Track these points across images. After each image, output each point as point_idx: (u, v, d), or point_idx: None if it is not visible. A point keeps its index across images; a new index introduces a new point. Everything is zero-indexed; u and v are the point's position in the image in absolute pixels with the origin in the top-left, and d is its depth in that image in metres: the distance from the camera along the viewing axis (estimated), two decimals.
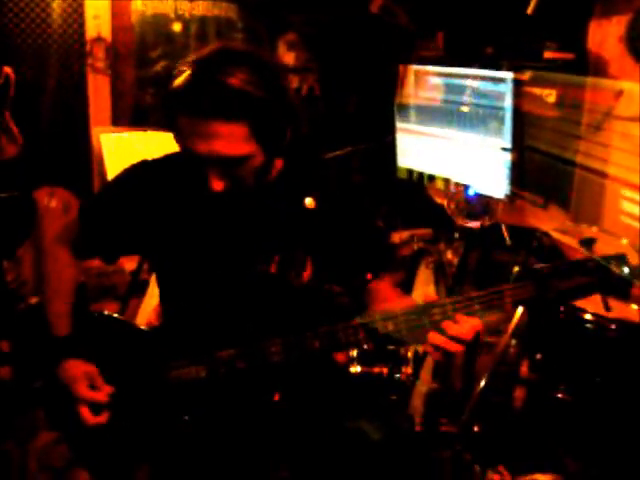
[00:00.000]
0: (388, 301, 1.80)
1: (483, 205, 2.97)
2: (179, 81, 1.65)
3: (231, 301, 1.86)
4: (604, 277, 1.63)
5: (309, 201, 1.83)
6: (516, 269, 2.69)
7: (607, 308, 1.70)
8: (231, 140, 1.64)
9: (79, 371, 1.88)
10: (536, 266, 1.68)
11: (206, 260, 1.87)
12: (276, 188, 1.84)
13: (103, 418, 1.88)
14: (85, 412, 1.87)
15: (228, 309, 1.86)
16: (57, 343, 1.92)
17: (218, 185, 1.70)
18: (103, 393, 1.88)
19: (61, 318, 1.94)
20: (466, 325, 1.62)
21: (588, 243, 1.82)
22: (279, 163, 1.86)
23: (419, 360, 2.93)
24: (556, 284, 1.62)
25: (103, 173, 3.53)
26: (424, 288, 3.25)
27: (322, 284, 1.89)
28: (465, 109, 2.81)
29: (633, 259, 1.67)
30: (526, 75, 2.77)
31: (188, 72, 1.64)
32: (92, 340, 1.94)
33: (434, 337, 1.63)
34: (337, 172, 1.97)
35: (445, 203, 3.09)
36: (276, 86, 1.69)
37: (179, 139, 1.70)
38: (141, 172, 1.93)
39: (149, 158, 1.95)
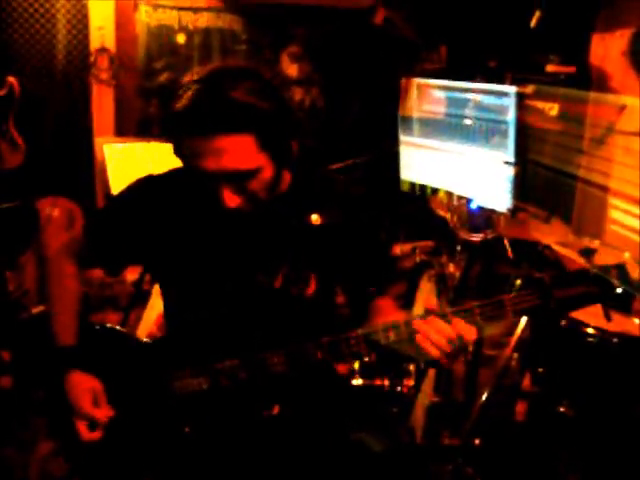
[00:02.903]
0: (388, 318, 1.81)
1: (485, 218, 2.97)
2: (178, 104, 1.65)
3: (234, 314, 1.86)
4: (605, 287, 1.62)
5: (315, 217, 1.83)
6: (518, 282, 2.69)
7: (608, 318, 1.70)
8: (240, 153, 1.64)
9: (85, 385, 1.88)
10: (538, 275, 1.68)
11: (210, 272, 1.87)
12: (284, 202, 1.84)
13: (97, 435, 1.88)
14: (82, 426, 1.87)
15: (231, 321, 1.86)
16: (62, 354, 1.92)
17: (232, 201, 1.70)
18: (103, 413, 1.87)
19: (66, 328, 1.94)
20: (458, 327, 1.62)
21: (587, 253, 1.82)
22: (287, 177, 1.86)
23: (421, 373, 2.93)
24: (558, 293, 1.62)
25: (106, 183, 3.53)
26: (426, 300, 3.25)
27: (326, 298, 1.89)
28: (468, 122, 2.81)
29: (635, 273, 1.67)
30: (529, 89, 2.78)
31: (186, 94, 1.64)
32: (94, 352, 1.94)
33: (420, 325, 1.63)
34: (343, 188, 1.97)
35: (448, 216, 3.10)
36: (277, 96, 1.70)
37: (187, 160, 1.70)
38: (147, 186, 1.94)
39: (154, 173, 1.96)
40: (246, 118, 1.62)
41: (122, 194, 1.98)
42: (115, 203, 2.02)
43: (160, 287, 2.03)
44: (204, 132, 1.61)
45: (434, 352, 1.63)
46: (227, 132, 1.61)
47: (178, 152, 1.71)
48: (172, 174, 1.93)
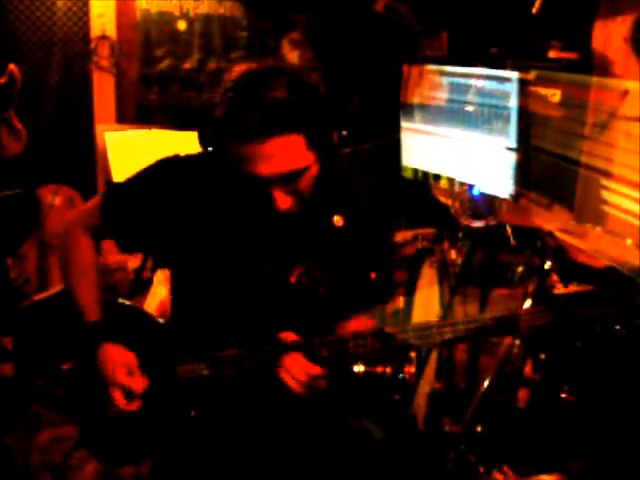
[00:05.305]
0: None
1: (487, 205, 2.96)
2: (219, 112, 1.63)
3: (246, 304, 1.86)
4: (625, 308, 1.57)
5: (337, 219, 1.82)
6: (520, 269, 2.68)
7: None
8: (292, 154, 1.62)
9: (119, 357, 1.87)
10: (555, 292, 1.63)
11: (230, 263, 1.86)
12: (310, 202, 1.78)
13: (135, 406, 1.86)
14: (119, 396, 1.85)
15: (242, 311, 1.85)
16: (91, 329, 1.91)
17: (284, 204, 1.68)
18: (139, 383, 1.86)
19: (91, 304, 1.93)
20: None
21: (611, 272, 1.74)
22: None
23: (423, 359, 2.93)
24: (575, 313, 1.57)
25: (107, 171, 3.53)
26: (427, 288, 3.25)
27: (335, 294, 1.89)
28: (470, 108, 2.80)
29: (636, 260, 1.65)
30: (531, 74, 2.76)
31: (226, 101, 1.62)
32: (119, 327, 1.94)
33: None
34: (362, 189, 1.95)
35: (449, 202, 3.09)
36: (312, 88, 1.69)
37: (236, 166, 1.66)
38: (173, 167, 1.90)
39: (180, 154, 1.92)
40: (294, 117, 1.60)
41: (145, 173, 1.94)
42: (137, 181, 1.96)
43: (172, 273, 2.02)
44: (256, 138, 1.58)
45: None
46: (279, 134, 1.59)
47: (225, 157, 1.68)
48: (200, 159, 1.88)
